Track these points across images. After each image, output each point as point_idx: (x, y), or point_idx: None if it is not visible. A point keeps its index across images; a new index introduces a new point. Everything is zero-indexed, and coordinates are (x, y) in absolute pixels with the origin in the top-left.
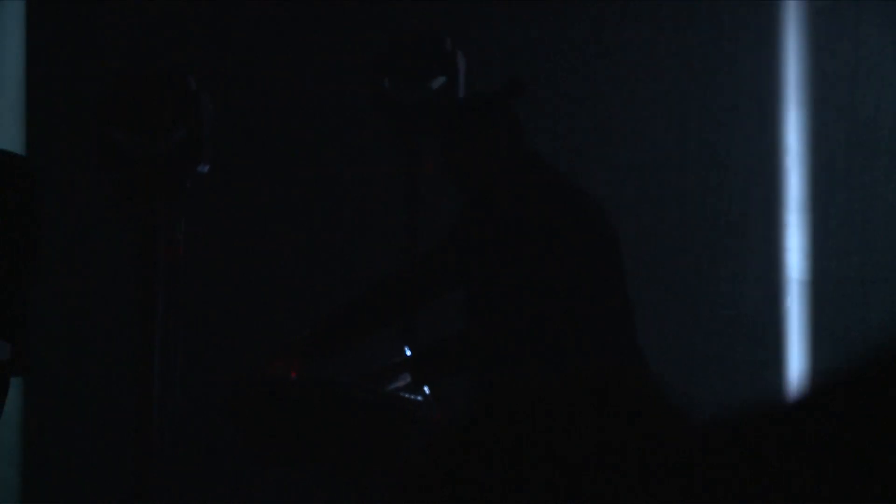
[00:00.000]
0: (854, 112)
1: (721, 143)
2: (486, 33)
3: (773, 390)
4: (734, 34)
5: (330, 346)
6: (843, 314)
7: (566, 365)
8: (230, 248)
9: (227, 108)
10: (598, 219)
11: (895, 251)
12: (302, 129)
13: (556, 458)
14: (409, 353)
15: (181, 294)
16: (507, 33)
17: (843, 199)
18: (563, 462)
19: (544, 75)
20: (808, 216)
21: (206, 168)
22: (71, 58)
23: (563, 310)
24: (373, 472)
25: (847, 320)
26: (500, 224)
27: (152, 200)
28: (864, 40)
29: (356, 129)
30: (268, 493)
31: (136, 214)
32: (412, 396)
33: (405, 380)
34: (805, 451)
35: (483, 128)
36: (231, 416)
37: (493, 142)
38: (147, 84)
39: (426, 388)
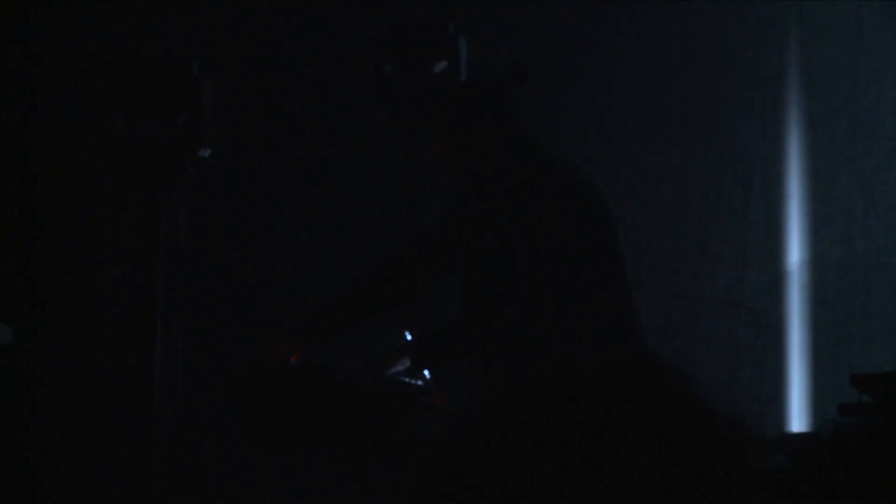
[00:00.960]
0: (855, 99)
1: (722, 133)
2: (488, 19)
3: (774, 374)
4: (735, 29)
5: (330, 330)
6: (844, 299)
7: (566, 351)
8: (232, 233)
9: (229, 94)
10: (595, 203)
11: None
12: (304, 114)
13: (561, 453)
14: (409, 337)
15: (183, 279)
16: (509, 19)
17: (844, 185)
18: (570, 458)
19: (547, 61)
20: (808, 202)
21: (207, 152)
22: (73, 44)
23: (562, 294)
24: (372, 457)
25: (848, 305)
26: (496, 209)
27: (155, 185)
28: (865, 30)
29: (358, 114)
30: (268, 490)
31: (138, 200)
32: (412, 381)
33: (405, 364)
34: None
35: (482, 113)
36: (232, 401)
37: (491, 127)
38: (150, 70)
39: (426, 373)
